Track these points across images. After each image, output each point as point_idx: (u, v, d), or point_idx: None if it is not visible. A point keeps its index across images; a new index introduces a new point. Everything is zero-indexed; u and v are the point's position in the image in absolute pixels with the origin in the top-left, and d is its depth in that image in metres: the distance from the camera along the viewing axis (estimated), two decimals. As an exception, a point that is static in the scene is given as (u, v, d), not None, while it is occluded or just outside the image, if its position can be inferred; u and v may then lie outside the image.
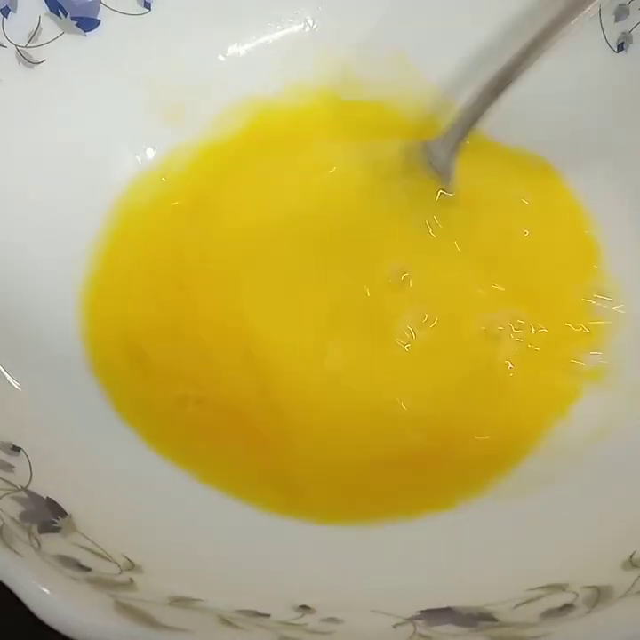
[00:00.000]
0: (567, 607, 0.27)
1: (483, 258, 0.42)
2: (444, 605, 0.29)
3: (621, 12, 0.42)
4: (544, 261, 0.42)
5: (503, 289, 0.41)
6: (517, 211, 0.44)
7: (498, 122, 0.43)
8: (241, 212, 0.44)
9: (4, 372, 0.36)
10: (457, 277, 0.42)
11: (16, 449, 0.33)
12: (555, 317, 0.41)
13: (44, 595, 0.25)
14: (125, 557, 0.30)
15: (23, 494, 0.31)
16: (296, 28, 0.46)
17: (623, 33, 0.42)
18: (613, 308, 0.41)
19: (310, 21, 0.46)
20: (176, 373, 0.39)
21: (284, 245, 0.42)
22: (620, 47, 0.42)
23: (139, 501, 0.34)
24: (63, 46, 0.42)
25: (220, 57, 0.46)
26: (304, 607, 0.29)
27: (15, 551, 0.27)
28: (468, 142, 0.43)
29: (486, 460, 0.37)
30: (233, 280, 0.41)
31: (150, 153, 0.45)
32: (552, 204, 0.44)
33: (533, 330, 0.40)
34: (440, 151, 0.43)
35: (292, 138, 0.46)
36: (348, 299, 0.41)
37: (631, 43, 0.42)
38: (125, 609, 0.26)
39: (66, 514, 0.31)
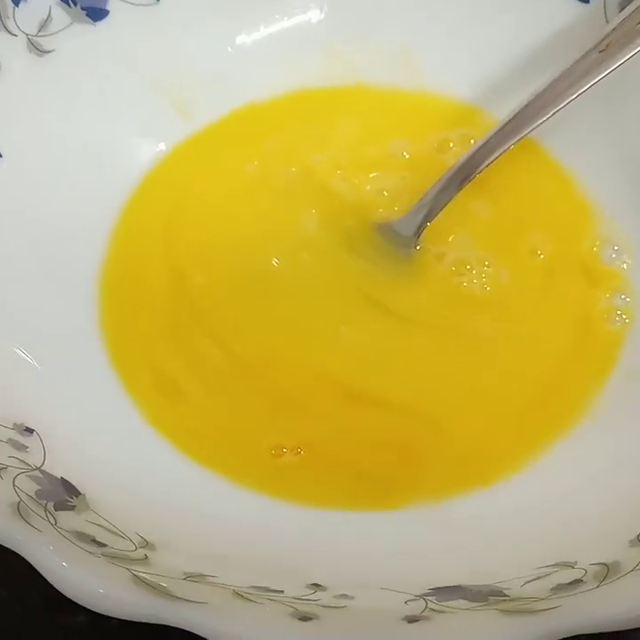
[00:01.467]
0: (576, 582, 0.27)
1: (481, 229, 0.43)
2: (455, 584, 0.29)
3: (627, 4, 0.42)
4: (544, 223, 0.43)
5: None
6: (500, 179, 0.44)
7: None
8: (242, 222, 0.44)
9: (22, 353, 0.36)
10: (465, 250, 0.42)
11: (29, 430, 0.33)
12: (573, 271, 0.42)
13: (62, 568, 0.26)
14: (139, 535, 0.30)
15: (38, 474, 0.31)
16: (304, 19, 0.47)
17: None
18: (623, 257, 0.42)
19: (318, 12, 0.47)
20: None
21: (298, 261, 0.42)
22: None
23: (150, 484, 0.35)
24: (73, 36, 0.42)
25: (228, 48, 0.46)
26: (316, 585, 0.30)
27: (33, 526, 0.27)
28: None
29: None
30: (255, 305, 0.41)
31: (158, 145, 0.45)
32: (532, 167, 0.45)
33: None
34: (402, 231, 0.43)
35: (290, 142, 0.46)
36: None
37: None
38: (142, 582, 0.26)
39: (79, 493, 0.31)
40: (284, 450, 0.37)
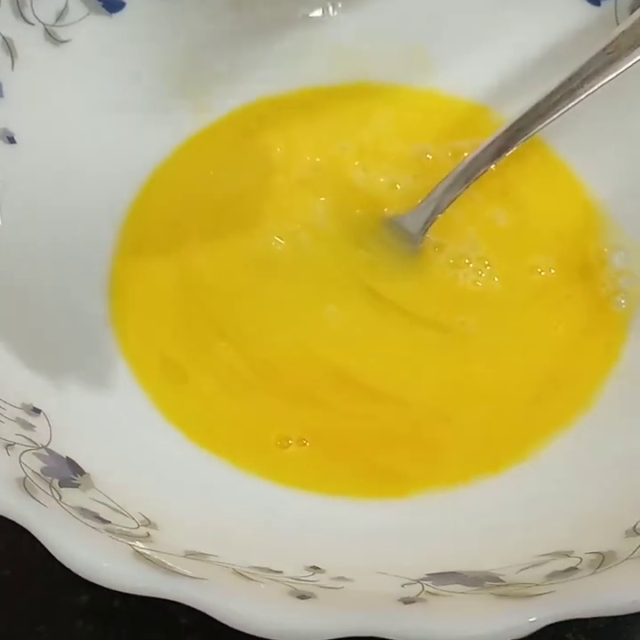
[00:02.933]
0: (571, 569, 0.28)
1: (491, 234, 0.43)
2: (451, 570, 0.30)
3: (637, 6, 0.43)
4: (549, 226, 0.43)
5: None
6: (510, 181, 0.44)
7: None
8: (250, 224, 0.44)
9: (30, 337, 0.37)
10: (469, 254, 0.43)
11: (36, 410, 0.34)
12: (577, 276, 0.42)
13: (66, 541, 0.26)
14: (141, 514, 0.31)
15: (44, 452, 0.31)
16: (317, 14, 0.47)
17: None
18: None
19: (330, 8, 0.47)
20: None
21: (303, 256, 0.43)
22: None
23: (155, 467, 0.35)
24: (89, 26, 0.43)
25: (243, 42, 0.47)
26: (314, 567, 0.30)
27: (39, 501, 0.27)
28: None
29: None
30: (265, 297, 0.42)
31: (169, 140, 0.46)
32: (540, 170, 0.45)
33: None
34: (409, 227, 0.43)
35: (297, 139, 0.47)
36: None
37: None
38: (143, 557, 0.26)
39: (84, 472, 0.32)
40: (290, 441, 0.37)
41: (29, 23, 0.41)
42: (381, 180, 0.45)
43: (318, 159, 0.46)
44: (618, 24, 0.43)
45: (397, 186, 0.45)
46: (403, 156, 0.46)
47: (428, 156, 0.46)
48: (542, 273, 0.42)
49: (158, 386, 0.39)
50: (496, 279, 0.41)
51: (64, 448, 0.32)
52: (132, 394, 0.38)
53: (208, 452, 0.37)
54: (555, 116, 0.41)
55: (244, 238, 0.43)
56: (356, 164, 0.46)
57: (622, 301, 0.41)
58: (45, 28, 0.41)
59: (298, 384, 0.39)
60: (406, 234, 0.43)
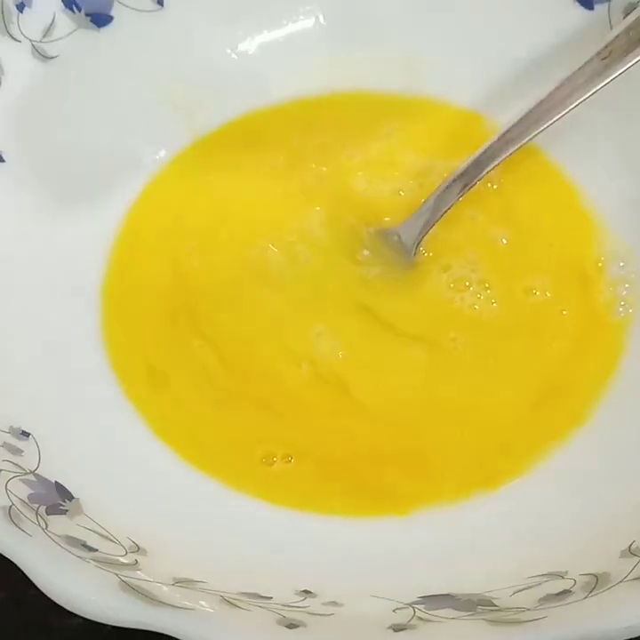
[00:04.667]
0: (565, 593, 0.27)
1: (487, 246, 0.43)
2: (444, 592, 0.29)
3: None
4: (547, 238, 0.43)
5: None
6: (503, 192, 0.44)
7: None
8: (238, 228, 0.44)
9: (20, 357, 0.36)
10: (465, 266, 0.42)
11: (25, 434, 0.33)
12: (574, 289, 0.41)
13: (50, 572, 0.26)
14: (130, 540, 0.30)
15: (31, 477, 0.31)
16: (307, 25, 0.47)
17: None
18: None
19: (321, 17, 0.47)
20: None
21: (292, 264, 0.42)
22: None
23: (144, 488, 0.35)
24: (77, 41, 0.42)
25: (232, 54, 0.46)
26: (306, 591, 0.30)
27: (23, 530, 0.27)
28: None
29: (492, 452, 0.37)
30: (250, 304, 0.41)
31: (162, 152, 0.45)
32: (537, 181, 0.44)
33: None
34: (404, 238, 0.42)
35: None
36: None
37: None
38: (129, 587, 0.26)
39: (73, 497, 0.31)
40: (275, 458, 0.37)
41: (16, 40, 0.41)
42: (384, 188, 0.44)
43: (324, 168, 0.45)
44: (611, 28, 0.43)
45: (401, 193, 0.44)
46: (409, 166, 0.45)
47: (433, 165, 0.45)
48: (537, 293, 0.41)
49: (145, 397, 0.38)
50: (494, 303, 0.40)
51: (53, 472, 0.32)
52: (120, 409, 0.38)
53: (195, 469, 0.36)
54: (548, 124, 0.41)
55: (240, 245, 0.43)
56: (360, 174, 0.45)
57: (620, 309, 0.40)
58: (32, 45, 0.41)
59: (281, 396, 0.38)
60: (401, 245, 0.42)
